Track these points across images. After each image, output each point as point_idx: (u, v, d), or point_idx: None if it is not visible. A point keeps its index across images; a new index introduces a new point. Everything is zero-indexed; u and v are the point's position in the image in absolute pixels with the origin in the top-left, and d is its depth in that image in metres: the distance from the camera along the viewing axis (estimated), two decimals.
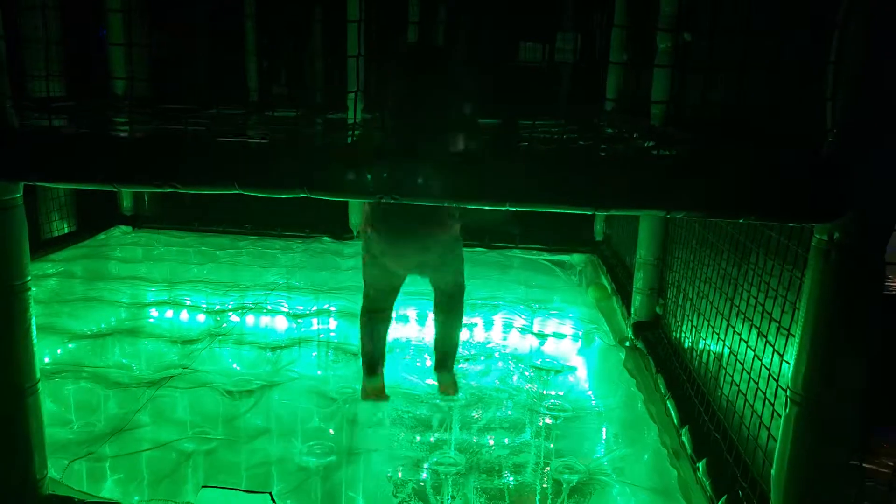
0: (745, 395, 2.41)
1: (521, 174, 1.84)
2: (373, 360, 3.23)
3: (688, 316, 3.31)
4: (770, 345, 2.20)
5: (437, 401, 3.30)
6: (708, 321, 2.96)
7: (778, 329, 2.13)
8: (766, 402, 2.18)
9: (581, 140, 2.76)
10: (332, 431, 3.11)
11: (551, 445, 3.04)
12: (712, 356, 2.88)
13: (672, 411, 3.01)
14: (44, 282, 4.77)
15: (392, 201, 1.89)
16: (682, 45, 3.56)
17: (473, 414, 3.29)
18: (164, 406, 3.22)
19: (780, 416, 1.97)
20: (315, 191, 1.90)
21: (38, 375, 2.24)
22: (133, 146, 2.05)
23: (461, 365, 3.72)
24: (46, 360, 3.66)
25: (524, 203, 1.88)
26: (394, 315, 3.38)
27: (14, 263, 2.12)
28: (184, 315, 4.39)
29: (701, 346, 3.06)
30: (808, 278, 1.74)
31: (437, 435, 3.10)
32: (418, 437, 3.09)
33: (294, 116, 2.85)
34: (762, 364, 2.26)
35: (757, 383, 2.29)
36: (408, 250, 3.03)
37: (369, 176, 1.84)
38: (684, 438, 2.78)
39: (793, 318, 2.02)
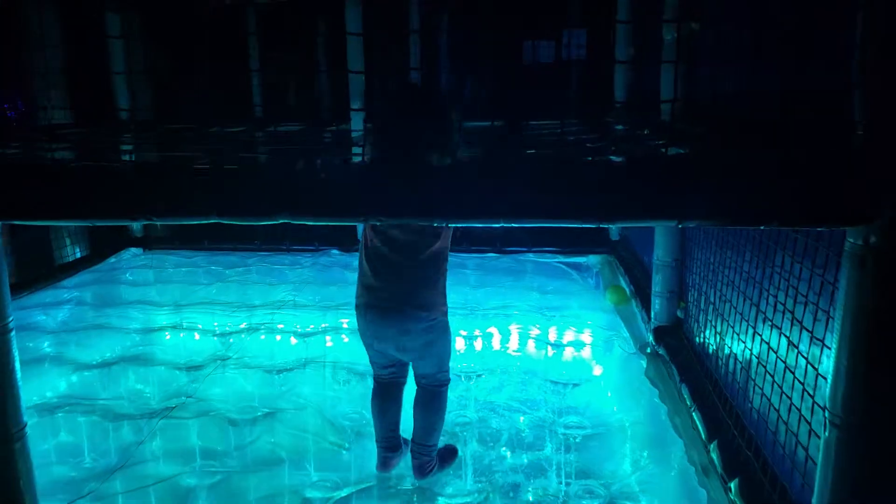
0: (776, 410, 2.24)
1: (515, 187, 1.69)
2: (382, 447, 2.84)
3: (710, 321, 3.14)
4: (803, 356, 2.03)
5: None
6: (732, 327, 2.79)
7: (811, 339, 1.96)
8: (802, 418, 2.01)
9: (588, 143, 2.60)
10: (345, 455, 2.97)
11: (571, 466, 2.87)
12: (739, 365, 2.71)
13: (699, 424, 2.84)
14: (54, 311, 4.69)
15: (377, 223, 1.75)
16: (690, 35, 3.39)
17: (487, 435, 3.13)
18: (168, 438, 3.10)
19: (818, 436, 1.81)
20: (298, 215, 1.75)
21: (25, 420, 2.12)
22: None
23: (471, 381, 3.58)
24: (48, 394, 3.56)
25: (518, 220, 1.73)
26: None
27: None
28: (190, 339, 4.27)
29: (726, 352, 2.88)
30: (843, 287, 1.58)
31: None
32: None
33: (300, 130, 2.74)
34: (794, 377, 2.08)
35: (790, 398, 2.12)
36: (386, 333, 2.67)
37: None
38: (713, 455, 2.62)
39: (826, 327, 1.85)
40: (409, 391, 2.84)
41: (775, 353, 2.27)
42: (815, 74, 2.00)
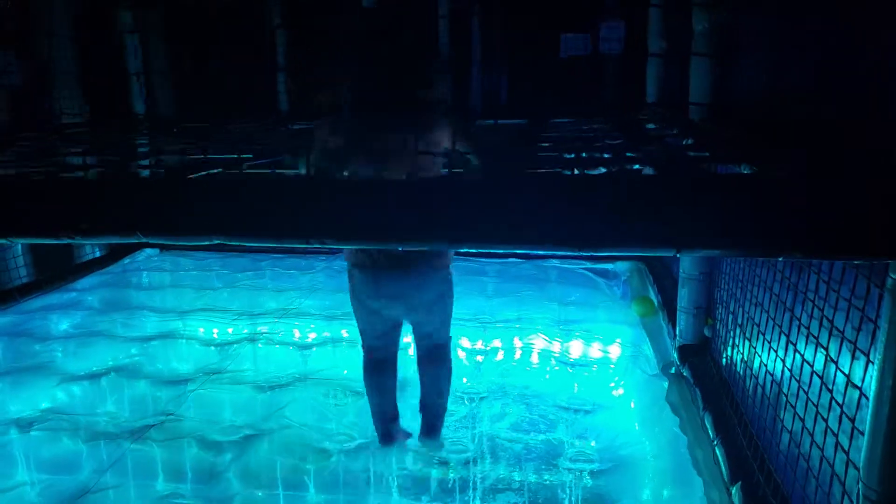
0: (806, 460, 1.90)
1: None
2: (384, 420, 2.86)
3: (736, 344, 2.79)
4: (837, 403, 1.69)
5: (440, 455, 2.85)
6: (759, 354, 2.45)
7: (846, 387, 1.62)
8: (834, 477, 1.68)
9: (602, 151, 2.26)
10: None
11: None
12: (767, 399, 2.36)
13: (721, 461, 2.51)
14: (58, 315, 4.54)
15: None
16: (721, 26, 3.04)
17: (479, 472, 2.82)
18: (137, 462, 2.86)
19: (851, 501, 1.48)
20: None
21: None
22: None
23: (473, 404, 3.29)
24: (29, 407, 3.36)
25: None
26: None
27: None
28: (186, 349, 4.05)
29: (752, 382, 2.54)
30: (884, 331, 1.25)
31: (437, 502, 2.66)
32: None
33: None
34: (827, 425, 1.75)
35: (821, 448, 1.78)
36: (397, 291, 2.63)
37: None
38: (735, 500, 2.29)
39: (866, 373, 1.52)
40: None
41: (806, 393, 1.93)
42: (860, 75, 1.67)
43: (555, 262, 5.23)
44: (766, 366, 2.35)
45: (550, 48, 5.82)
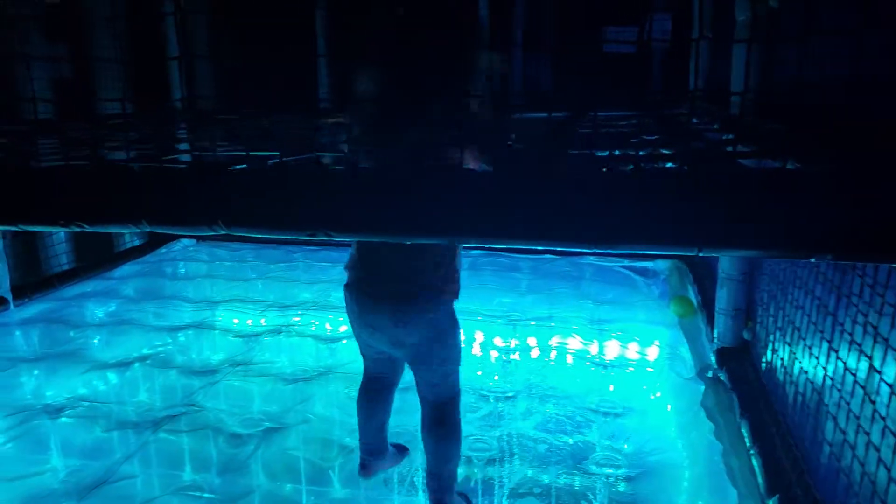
0: (846, 475, 1.78)
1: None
2: (363, 450, 2.49)
3: (776, 349, 2.66)
4: (880, 417, 1.57)
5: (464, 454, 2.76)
6: (799, 360, 2.32)
7: (890, 398, 1.50)
8: (875, 494, 1.56)
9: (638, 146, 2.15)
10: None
11: None
12: (807, 406, 2.24)
13: (758, 472, 2.39)
14: (93, 303, 4.57)
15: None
16: (767, 14, 2.90)
17: (503, 472, 2.72)
18: (160, 452, 2.85)
19: None
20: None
21: None
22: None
23: (499, 403, 3.20)
24: (57, 394, 3.38)
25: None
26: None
27: None
28: (214, 340, 4.04)
29: (792, 388, 2.41)
30: None
31: None
32: None
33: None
34: (870, 441, 1.63)
35: (862, 464, 1.66)
36: (376, 322, 2.16)
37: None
38: None
39: None
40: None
41: (847, 403, 1.81)
42: None
43: (591, 259, 5.10)
44: (806, 373, 2.22)
45: (596, 38, 5.69)
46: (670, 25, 5.78)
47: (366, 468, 2.49)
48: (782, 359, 2.54)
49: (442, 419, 2.31)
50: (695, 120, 3.23)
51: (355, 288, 2.20)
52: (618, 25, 5.96)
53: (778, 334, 2.63)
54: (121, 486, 2.65)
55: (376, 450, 2.48)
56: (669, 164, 1.74)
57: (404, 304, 2.10)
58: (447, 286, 2.15)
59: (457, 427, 2.34)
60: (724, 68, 3.47)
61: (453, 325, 2.22)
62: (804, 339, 2.26)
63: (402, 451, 2.71)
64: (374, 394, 2.45)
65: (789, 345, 2.45)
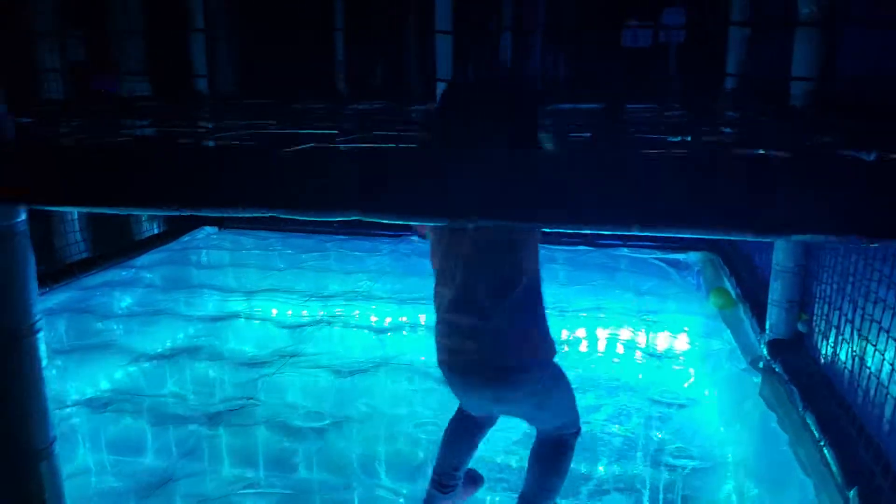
0: None
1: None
2: (434, 477, 2.37)
3: (847, 341, 2.66)
4: None
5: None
6: (882, 353, 2.32)
7: None
8: None
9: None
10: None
11: None
12: (890, 399, 2.24)
13: (832, 463, 2.39)
14: (119, 291, 4.51)
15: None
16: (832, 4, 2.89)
17: (581, 470, 2.70)
18: (217, 449, 2.82)
19: None
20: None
21: (54, 434, 1.86)
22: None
23: None
24: (100, 386, 3.36)
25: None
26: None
27: (15, 303, 1.74)
28: (258, 330, 4.03)
29: (871, 383, 2.41)
30: None
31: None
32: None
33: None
34: None
35: None
36: (480, 401, 2.17)
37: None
38: None
39: None
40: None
41: None
42: None
43: (625, 251, 5.10)
44: (892, 364, 2.22)
45: (616, 32, 5.68)
46: (683, 20, 5.80)
47: (428, 499, 2.38)
48: (857, 351, 2.54)
49: (554, 454, 2.24)
50: (731, 113, 3.23)
51: (447, 370, 2.13)
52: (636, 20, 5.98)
53: (849, 327, 2.63)
54: (185, 484, 2.62)
55: (444, 485, 2.35)
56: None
57: (502, 386, 2.05)
58: (541, 352, 2.09)
59: (568, 462, 2.26)
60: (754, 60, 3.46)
61: (558, 381, 2.16)
62: (888, 332, 2.26)
63: (474, 482, 2.56)
64: (464, 430, 2.35)
65: (866, 338, 2.45)
